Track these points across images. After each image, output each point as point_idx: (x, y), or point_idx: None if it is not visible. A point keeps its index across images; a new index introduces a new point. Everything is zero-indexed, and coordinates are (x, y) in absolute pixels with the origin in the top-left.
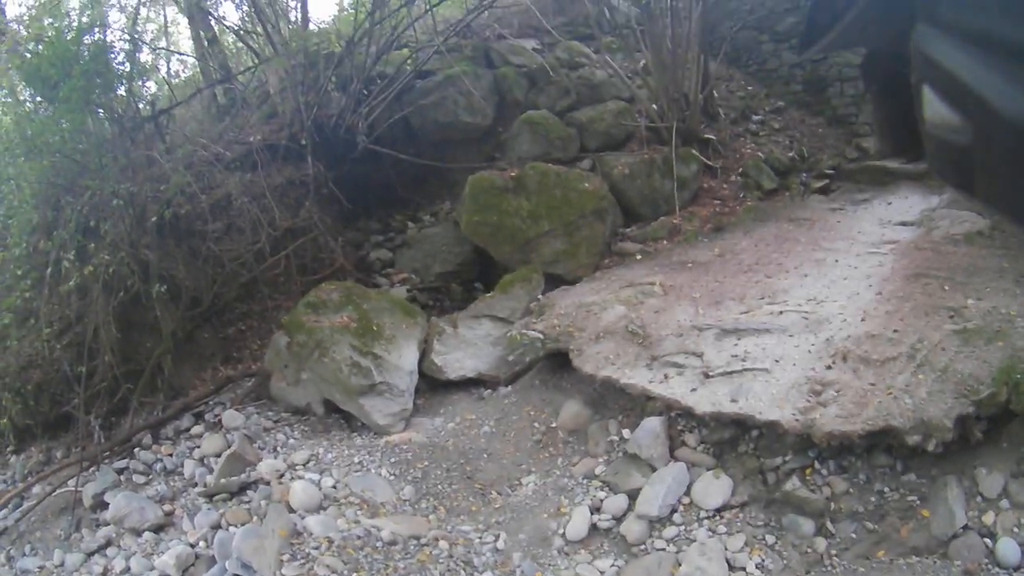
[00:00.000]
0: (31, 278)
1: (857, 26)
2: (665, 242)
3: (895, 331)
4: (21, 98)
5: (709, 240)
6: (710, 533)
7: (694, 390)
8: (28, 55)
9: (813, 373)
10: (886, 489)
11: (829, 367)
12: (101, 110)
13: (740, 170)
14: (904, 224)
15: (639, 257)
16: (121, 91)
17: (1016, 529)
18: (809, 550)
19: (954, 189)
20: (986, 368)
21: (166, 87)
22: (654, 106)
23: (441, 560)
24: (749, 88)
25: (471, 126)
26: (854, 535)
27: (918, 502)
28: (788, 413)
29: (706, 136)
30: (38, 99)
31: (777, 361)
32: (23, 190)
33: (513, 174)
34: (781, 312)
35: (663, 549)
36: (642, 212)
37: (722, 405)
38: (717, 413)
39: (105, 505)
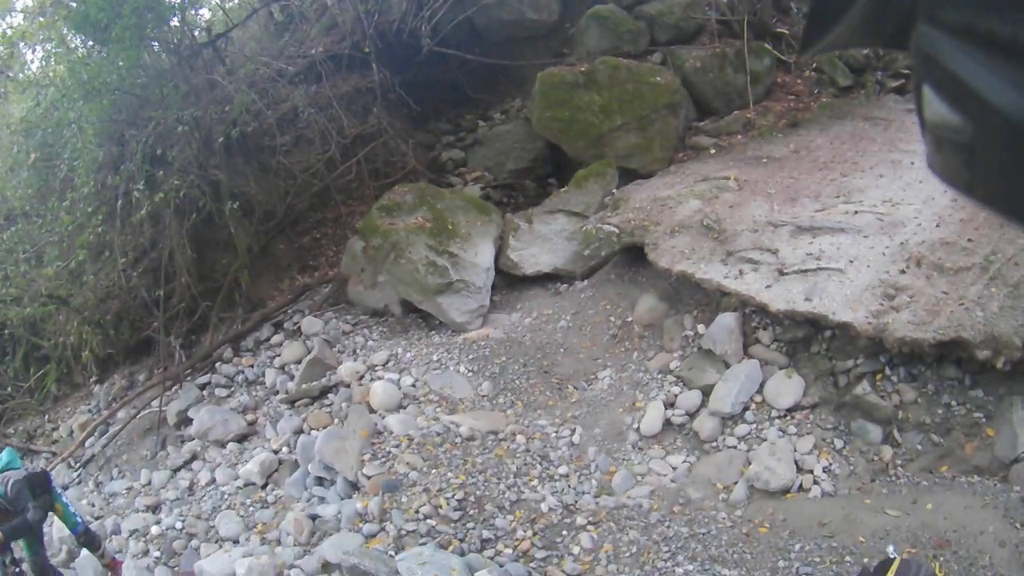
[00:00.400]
0: (101, 213)
1: (857, 25)
2: (739, 136)
3: (969, 240)
4: (72, 46)
5: (784, 136)
6: (780, 433)
7: (769, 287)
8: (74, 4)
9: (887, 276)
10: (953, 403)
11: (903, 271)
12: (156, 43)
13: (815, 65)
14: None
15: (713, 151)
16: (174, 22)
17: None
18: (876, 458)
19: (954, 190)
20: None
21: (220, 12)
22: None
23: (518, 455)
24: None
25: (537, 23)
26: (919, 447)
27: (984, 419)
28: (861, 315)
29: (779, 30)
30: (90, 43)
31: (852, 262)
32: (85, 131)
33: (583, 69)
34: (856, 212)
35: (734, 447)
36: (715, 106)
37: (796, 303)
38: (791, 311)
39: (189, 421)
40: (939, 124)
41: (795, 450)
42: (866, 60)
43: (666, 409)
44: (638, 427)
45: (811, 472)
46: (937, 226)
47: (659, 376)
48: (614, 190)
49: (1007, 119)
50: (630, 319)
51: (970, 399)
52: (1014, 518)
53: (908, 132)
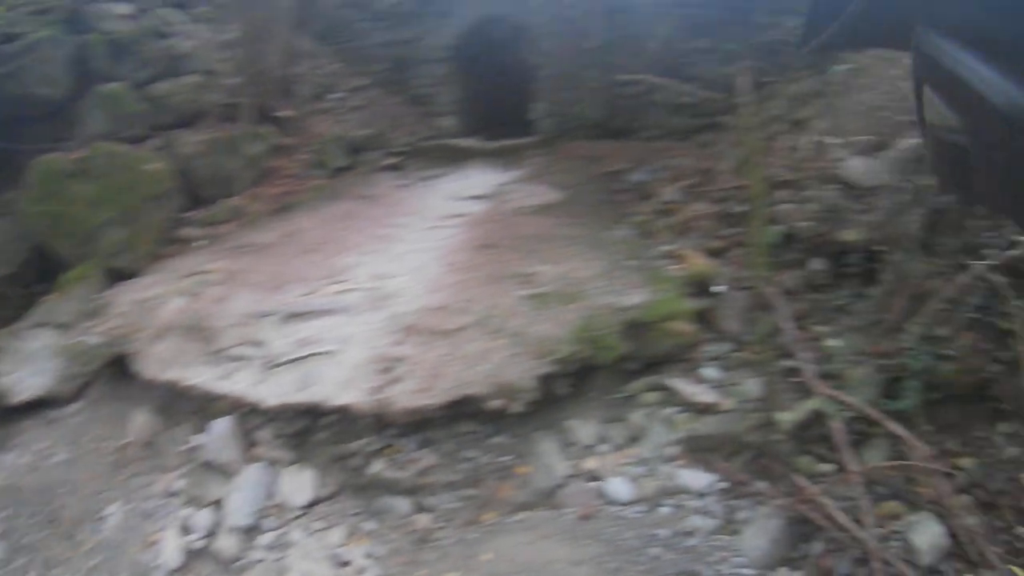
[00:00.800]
0: None
1: (856, 24)
2: (230, 225)
3: (466, 300)
4: None
5: (274, 221)
6: (307, 532)
7: (260, 383)
8: None
9: (381, 350)
10: (476, 455)
11: (397, 343)
12: None
13: (311, 148)
14: (475, 198)
15: (203, 242)
16: None
17: (621, 468)
18: (412, 529)
19: (954, 189)
20: (563, 328)
21: None
22: (233, 81)
23: None
24: (336, 66)
25: (45, 99)
26: (453, 505)
27: (513, 461)
28: (359, 394)
29: (282, 113)
30: None
31: (343, 342)
32: None
33: (79, 155)
34: (345, 291)
35: (263, 560)
36: (210, 194)
37: (290, 395)
38: (286, 404)
39: None
40: (939, 124)
41: (328, 545)
42: (365, 140)
43: (183, 536)
44: (161, 563)
45: (350, 564)
46: (429, 292)
47: (167, 501)
48: (101, 295)
49: (1006, 119)
50: (128, 440)
51: (493, 447)
52: (579, 538)
53: (398, 207)
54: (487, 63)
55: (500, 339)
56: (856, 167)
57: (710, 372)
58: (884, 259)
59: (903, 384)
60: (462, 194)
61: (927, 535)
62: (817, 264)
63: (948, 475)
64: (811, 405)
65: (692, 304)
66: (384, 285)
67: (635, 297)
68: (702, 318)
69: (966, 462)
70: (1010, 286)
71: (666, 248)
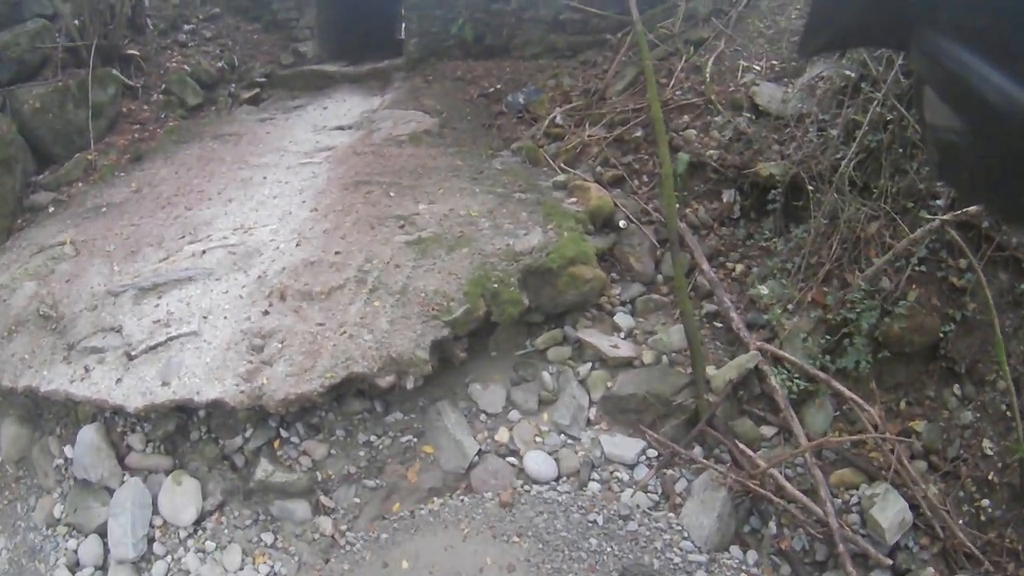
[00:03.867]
0: None
1: (857, 24)
2: (80, 184)
3: (337, 252)
4: None
5: (127, 174)
6: (201, 556)
7: (120, 380)
8: None
9: (250, 324)
10: (372, 438)
11: (266, 312)
12: None
13: (163, 88)
14: (341, 128)
15: (51, 209)
16: None
17: (538, 439)
18: (317, 535)
19: (954, 190)
20: (454, 282)
21: None
22: (76, 22)
23: None
24: None
25: None
26: (357, 500)
27: (415, 440)
28: (231, 385)
29: (129, 52)
30: None
31: (206, 317)
32: None
33: None
34: (204, 251)
35: None
36: (59, 151)
37: (155, 393)
38: (151, 405)
39: None
40: (940, 125)
41: (226, 569)
42: (220, 73)
43: (73, 574)
44: None
45: None
46: (298, 245)
47: (50, 531)
48: None
49: (1006, 119)
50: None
51: (390, 426)
52: (505, 532)
53: (259, 144)
54: None
55: (383, 299)
56: (770, 94)
57: (623, 319)
58: (812, 198)
59: (847, 340)
60: (329, 124)
61: (890, 511)
62: (731, 197)
63: (903, 441)
64: (745, 361)
65: (596, 243)
66: (248, 240)
67: (531, 239)
68: (607, 258)
69: (918, 425)
70: (965, 240)
71: (559, 179)
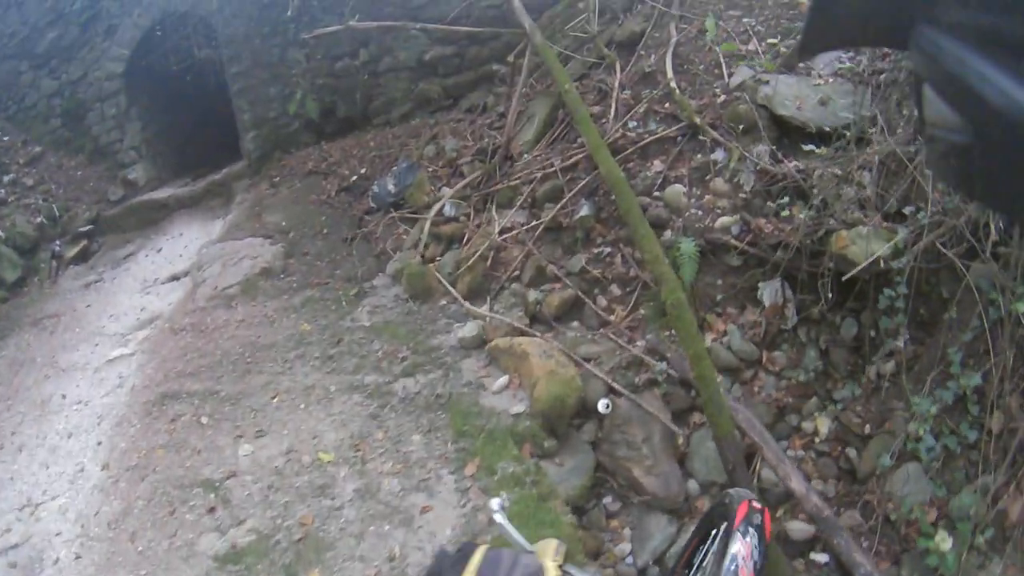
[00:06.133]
0: None
1: (857, 25)
2: None
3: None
4: None
5: None
6: None
7: None
8: None
9: None
10: None
11: None
12: None
13: None
14: (175, 278)
15: None
16: None
17: None
18: None
19: (954, 190)
20: None
21: None
22: None
23: None
24: (6, 138)
25: None
26: None
27: None
28: None
29: None
30: None
31: None
32: None
33: None
34: None
35: None
36: None
37: None
38: None
39: None
40: (939, 124)
41: None
42: (39, 232)
43: None
44: None
45: None
46: (77, 558)
47: None
48: None
49: (1006, 119)
50: None
51: None
52: None
53: (76, 329)
54: (171, 80)
55: None
56: (795, 94)
57: None
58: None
59: None
60: (161, 275)
61: None
62: (776, 296)
63: None
64: None
65: (570, 489)
66: (32, 533)
67: (438, 522)
68: (593, 482)
69: None
70: None
71: (467, 331)
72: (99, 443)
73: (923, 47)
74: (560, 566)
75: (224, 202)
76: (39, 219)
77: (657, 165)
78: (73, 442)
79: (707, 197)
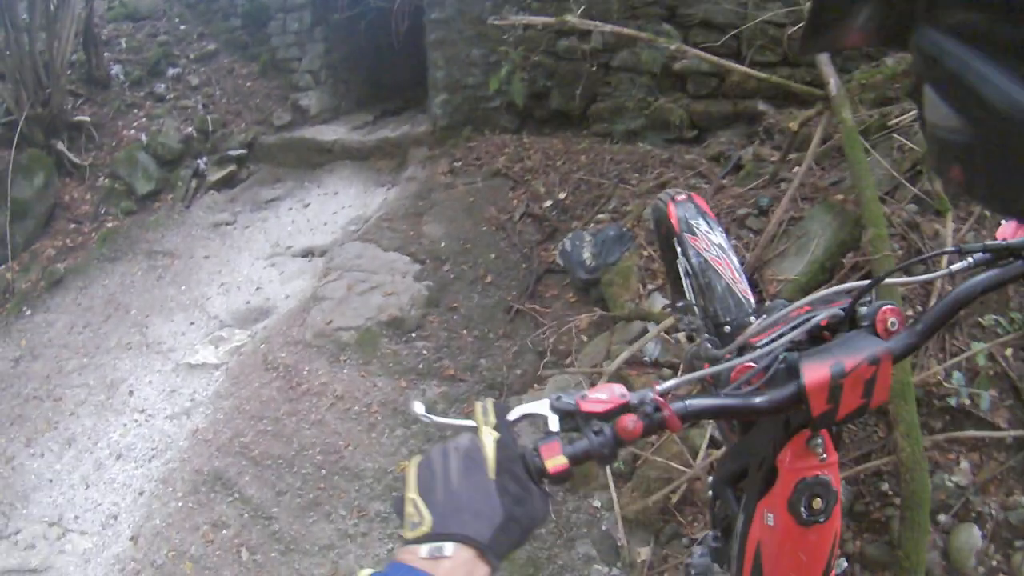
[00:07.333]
0: None
1: (858, 25)
2: None
3: None
4: None
5: (34, 311)
6: None
7: None
8: None
9: None
10: None
11: None
12: None
13: (108, 171)
14: (308, 255)
15: None
16: None
17: None
18: None
19: (954, 190)
20: None
21: None
22: (9, 86)
23: None
24: (182, 27)
25: None
26: None
27: None
28: None
29: (78, 119)
30: None
31: None
32: None
33: None
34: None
35: None
36: None
37: None
38: None
39: None
40: (939, 124)
41: None
42: (185, 144)
43: None
44: None
45: None
46: None
47: None
48: None
49: (1006, 119)
50: None
51: None
52: None
53: (181, 284)
54: (366, 8)
55: None
56: None
57: None
58: None
59: None
60: (296, 244)
61: None
62: None
63: None
64: None
65: None
66: (49, 561)
67: None
68: None
69: None
70: None
71: None
72: (140, 493)
73: (923, 47)
74: (495, 426)
75: (394, 167)
76: (189, 129)
77: None
78: (119, 469)
79: None
